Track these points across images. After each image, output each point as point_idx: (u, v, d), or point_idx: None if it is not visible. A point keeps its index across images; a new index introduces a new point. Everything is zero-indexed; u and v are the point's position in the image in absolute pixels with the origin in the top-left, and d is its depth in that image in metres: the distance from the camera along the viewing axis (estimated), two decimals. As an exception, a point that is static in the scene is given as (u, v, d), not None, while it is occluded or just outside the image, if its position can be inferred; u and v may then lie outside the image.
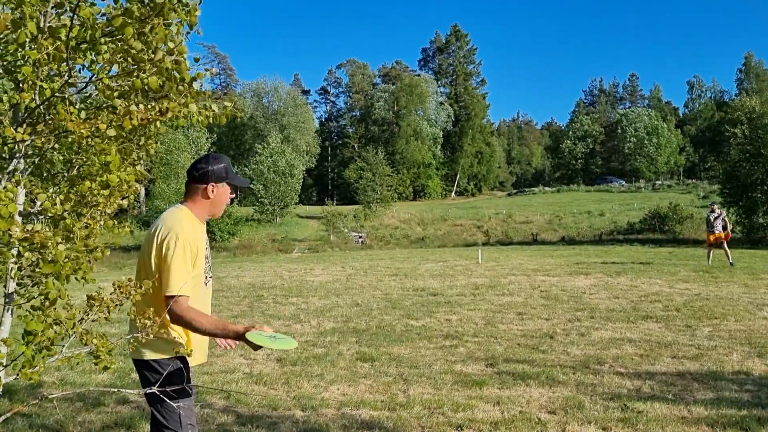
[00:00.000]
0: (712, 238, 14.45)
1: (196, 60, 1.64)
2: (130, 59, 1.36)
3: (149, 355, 2.38)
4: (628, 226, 34.38)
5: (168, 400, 2.30)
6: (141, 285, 1.91)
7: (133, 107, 1.41)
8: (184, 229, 2.35)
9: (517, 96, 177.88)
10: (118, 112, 1.40)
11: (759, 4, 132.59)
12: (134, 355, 2.40)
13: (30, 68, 1.26)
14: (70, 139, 1.40)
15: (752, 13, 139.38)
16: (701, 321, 7.31)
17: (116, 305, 1.79)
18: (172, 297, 2.27)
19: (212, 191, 2.42)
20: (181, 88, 1.48)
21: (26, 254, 1.36)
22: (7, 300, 1.66)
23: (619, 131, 76.64)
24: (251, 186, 42.55)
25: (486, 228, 38.67)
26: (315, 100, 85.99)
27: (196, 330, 2.32)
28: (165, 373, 2.38)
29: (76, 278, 1.50)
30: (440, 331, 7.00)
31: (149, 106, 1.44)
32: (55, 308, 1.46)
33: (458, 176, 75.60)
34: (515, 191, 73.74)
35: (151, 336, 2.10)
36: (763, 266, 13.89)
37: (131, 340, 2.19)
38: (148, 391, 2.33)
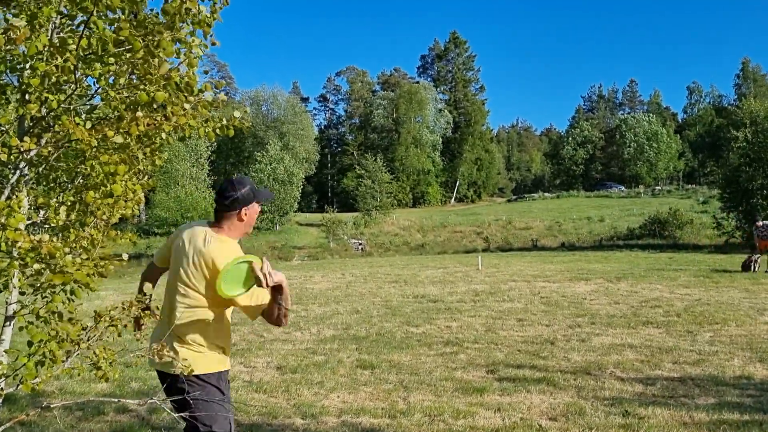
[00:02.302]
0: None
1: (206, 72, 1.66)
2: (137, 71, 1.38)
3: (200, 369, 2.43)
4: (628, 232, 34.38)
5: (220, 410, 2.43)
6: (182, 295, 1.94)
7: (139, 113, 1.42)
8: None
9: (516, 102, 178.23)
10: (123, 119, 1.42)
11: (756, 9, 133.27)
12: (173, 369, 2.37)
13: (38, 80, 1.28)
14: (76, 149, 1.42)
15: (749, 18, 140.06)
16: (702, 326, 7.31)
17: (124, 326, 1.78)
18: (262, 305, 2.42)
19: (245, 214, 2.52)
20: (191, 98, 1.50)
21: (34, 265, 1.37)
22: (9, 311, 1.67)
23: (618, 137, 76.77)
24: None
25: (486, 234, 38.66)
26: (314, 108, 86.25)
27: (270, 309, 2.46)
28: (212, 384, 2.47)
29: (80, 287, 1.51)
30: (440, 338, 6.99)
31: (154, 113, 1.45)
32: (60, 322, 1.47)
33: (458, 183, 75.65)
34: (515, 197, 73.73)
35: (204, 352, 2.24)
36: (764, 271, 13.88)
37: (176, 355, 2.28)
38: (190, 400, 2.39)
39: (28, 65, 1.29)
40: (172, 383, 2.41)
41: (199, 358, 2.41)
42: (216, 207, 2.51)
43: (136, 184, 1.44)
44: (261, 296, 2.42)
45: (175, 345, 2.41)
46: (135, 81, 1.39)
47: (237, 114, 1.59)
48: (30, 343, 1.55)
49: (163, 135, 1.46)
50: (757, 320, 7.62)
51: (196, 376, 2.40)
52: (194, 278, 2.41)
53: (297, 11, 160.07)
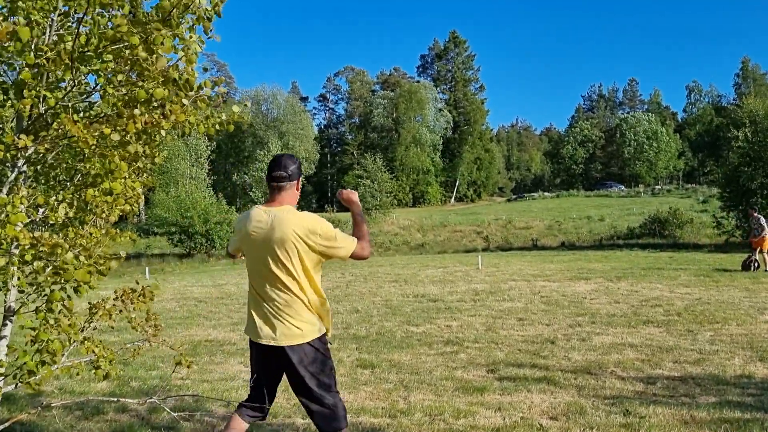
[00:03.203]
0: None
1: (205, 70, 1.66)
2: (136, 68, 1.37)
3: (310, 336, 2.75)
4: (628, 231, 34.35)
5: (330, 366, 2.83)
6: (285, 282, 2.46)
7: (137, 111, 1.41)
8: (314, 214, 2.83)
9: (516, 102, 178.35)
10: (122, 115, 1.41)
11: (756, 9, 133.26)
12: (295, 340, 2.71)
13: (29, 73, 1.27)
14: (75, 147, 1.41)
15: (749, 18, 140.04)
16: (702, 325, 7.30)
17: (119, 311, 1.79)
18: (359, 249, 2.81)
19: (301, 184, 2.90)
20: (190, 94, 1.49)
21: (35, 263, 1.36)
22: (7, 310, 1.66)
23: (618, 136, 76.78)
24: (250, 193, 42.74)
25: (486, 234, 38.64)
26: (314, 107, 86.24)
27: (367, 233, 2.89)
28: (325, 346, 2.84)
29: (80, 286, 1.50)
30: (441, 338, 6.98)
31: (152, 111, 1.44)
32: (58, 317, 1.46)
33: (458, 182, 75.65)
34: (515, 197, 73.73)
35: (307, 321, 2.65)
36: (763, 270, 13.87)
37: (290, 327, 2.64)
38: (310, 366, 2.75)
39: (20, 60, 1.29)
40: (283, 354, 2.71)
41: (307, 328, 2.73)
42: (275, 183, 2.78)
43: (135, 181, 1.44)
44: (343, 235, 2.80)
45: (286, 320, 2.72)
46: (133, 78, 1.38)
47: (236, 109, 1.58)
48: (33, 342, 1.54)
49: (162, 132, 1.45)
50: (757, 319, 7.61)
51: (308, 344, 2.73)
52: (286, 257, 2.68)
53: (296, 11, 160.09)
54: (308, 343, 2.75)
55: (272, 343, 2.74)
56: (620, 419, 4.03)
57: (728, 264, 15.61)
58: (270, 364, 2.85)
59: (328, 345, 2.91)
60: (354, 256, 2.82)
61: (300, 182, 2.88)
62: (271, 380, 2.94)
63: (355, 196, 3.00)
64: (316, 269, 2.82)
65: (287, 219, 2.71)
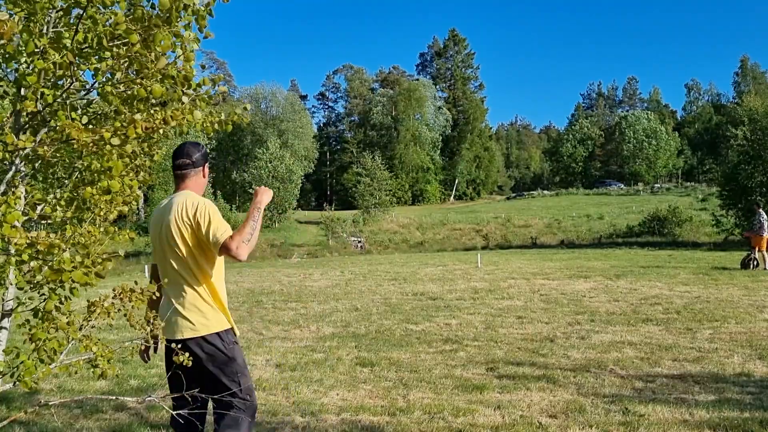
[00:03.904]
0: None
1: (203, 67, 1.65)
2: (134, 65, 1.37)
3: (214, 328, 2.63)
4: (628, 229, 34.38)
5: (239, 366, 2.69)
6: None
7: (137, 116, 1.41)
8: (207, 200, 2.67)
9: (515, 100, 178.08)
10: (121, 120, 1.41)
11: (755, 7, 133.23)
12: (192, 333, 2.59)
13: (35, 77, 1.26)
14: (74, 146, 1.40)
15: (749, 16, 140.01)
16: (702, 324, 7.30)
17: (117, 310, 1.79)
18: (229, 240, 2.53)
19: (206, 170, 2.78)
20: (188, 92, 1.49)
21: (31, 263, 1.35)
22: (5, 309, 1.65)
23: (618, 134, 76.76)
24: (250, 191, 42.76)
25: (485, 232, 38.65)
26: (313, 106, 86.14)
27: (256, 232, 2.60)
28: (231, 342, 2.70)
29: (77, 287, 1.50)
30: (440, 336, 6.98)
31: (152, 114, 1.44)
32: (56, 315, 1.46)
33: (457, 180, 75.62)
34: (514, 195, 73.73)
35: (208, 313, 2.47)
36: (762, 268, 13.88)
37: (184, 321, 2.49)
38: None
39: (23, 60, 1.28)
40: (186, 348, 2.55)
41: (202, 320, 2.60)
42: (179, 171, 2.70)
43: (133, 180, 1.43)
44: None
45: (183, 313, 2.59)
46: (132, 76, 1.38)
47: (238, 111, 1.58)
48: (31, 340, 1.54)
49: (161, 131, 1.45)
50: (756, 317, 7.61)
51: (203, 338, 2.60)
52: (174, 242, 2.58)
53: (295, 9, 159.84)
54: (204, 337, 2.60)
55: (176, 337, 2.59)
56: (619, 417, 4.03)
57: (727, 262, 15.62)
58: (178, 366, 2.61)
59: (235, 344, 2.73)
60: (225, 248, 2.52)
61: (206, 169, 2.78)
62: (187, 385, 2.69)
63: (262, 193, 2.72)
64: (206, 258, 2.64)
65: (178, 202, 2.61)
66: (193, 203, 2.59)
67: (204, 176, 2.77)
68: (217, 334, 2.65)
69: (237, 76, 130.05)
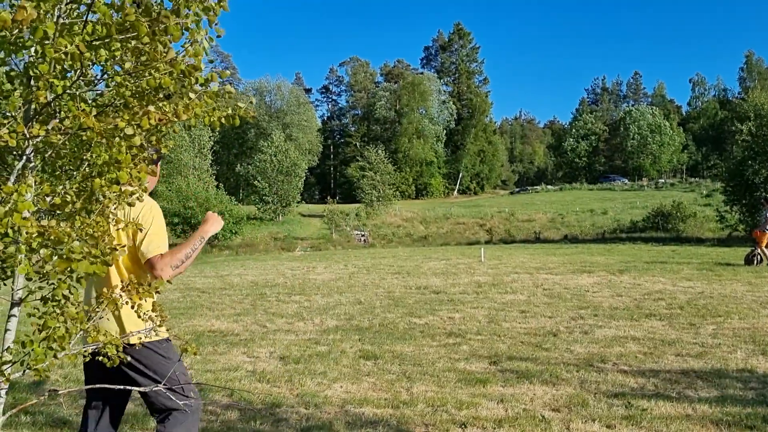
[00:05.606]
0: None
1: (211, 61, 1.65)
2: (143, 58, 1.37)
3: (146, 339, 2.43)
4: (631, 225, 34.37)
5: (180, 384, 2.52)
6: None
7: (151, 107, 1.42)
8: (155, 202, 2.56)
9: (519, 94, 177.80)
10: (135, 111, 1.42)
11: (760, 2, 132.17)
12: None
13: (47, 66, 1.27)
14: (81, 136, 1.41)
15: (753, 11, 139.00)
16: (705, 319, 7.30)
17: (125, 302, 1.81)
18: (160, 255, 2.44)
19: (159, 168, 2.63)
20: (196, 88, 1.49)
21: (42, 251, 1.37)
22: (15, 298, 1.67)
23: (622, 129, 76.50)
24: (255, 184, 42.83)
25: (489, 226, 38.65)
26: (317, 99, 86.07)
27: (189, 260, 2.51)
28: (167, 354, 2.54)
29: (82, 278, 1.52)
30: (443, 329, 7.00)
31: (161, 108, 1.45)
32: (65, 305, 1.47)
33: (461, 174, 75.56)
34: (518, 190, 73.70)
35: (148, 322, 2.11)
36: (766, 264, 13.85)
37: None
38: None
39: (33, 49, 1.29)
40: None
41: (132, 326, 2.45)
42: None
43: (141, 171, 1.44)
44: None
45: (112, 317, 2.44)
46: (140, 67, 1.39)
47: (241, 104, 1.59)
48: (40, 330, 1.55)
49: (170, 124, 1.46)
50: (760, 313, 7.61)
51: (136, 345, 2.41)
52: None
53: (301, 2, 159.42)
54: (133, 344, 2.39)
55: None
56: (622, 411, 4.05)
57: (731, 258, 15.59)
58: (100, 374, 2.47)
59: (171, 353, 2.57)
60: (150, 263, 2.42)
61: (158, 167, 2.62)
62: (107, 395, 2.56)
63: (211, 222, 2.64)
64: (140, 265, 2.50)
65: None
66: (141, 207, 2.46)
67: (155, 174, 2.59)
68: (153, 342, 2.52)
69: (242, 69, 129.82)
